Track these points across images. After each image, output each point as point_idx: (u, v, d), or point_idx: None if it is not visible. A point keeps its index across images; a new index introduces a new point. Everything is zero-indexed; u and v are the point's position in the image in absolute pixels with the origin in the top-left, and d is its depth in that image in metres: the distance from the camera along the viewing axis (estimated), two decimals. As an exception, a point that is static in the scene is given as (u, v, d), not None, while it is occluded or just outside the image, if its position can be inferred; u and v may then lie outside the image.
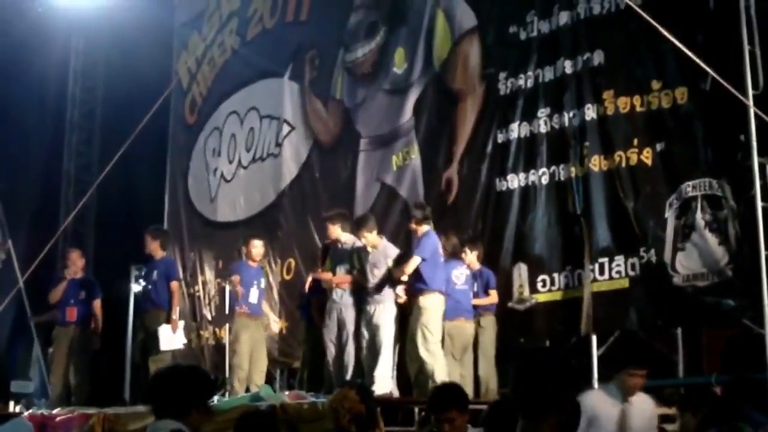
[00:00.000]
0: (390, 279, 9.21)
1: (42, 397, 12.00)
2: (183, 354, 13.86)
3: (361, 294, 9.43)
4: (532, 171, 10.01)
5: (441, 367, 8.80)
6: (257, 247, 10.95)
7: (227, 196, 14.46)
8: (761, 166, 8.26)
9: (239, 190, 14.25)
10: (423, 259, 9.01)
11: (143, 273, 11.08)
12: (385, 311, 9.15)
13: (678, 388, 9.03)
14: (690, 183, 8.73)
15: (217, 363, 13.36)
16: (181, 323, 11.16)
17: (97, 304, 11.79)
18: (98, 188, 14.39)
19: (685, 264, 8.67)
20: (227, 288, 13.22)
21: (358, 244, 9.62)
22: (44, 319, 12.55)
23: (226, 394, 11.09)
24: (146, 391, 4.07)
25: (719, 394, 6.81)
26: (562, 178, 9.75)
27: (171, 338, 10.85)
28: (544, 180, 9.90)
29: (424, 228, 9.24)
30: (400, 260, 9.28)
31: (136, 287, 15.05)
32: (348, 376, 9.19)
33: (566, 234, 9.68)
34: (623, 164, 9.24)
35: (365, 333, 9.24)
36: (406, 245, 9.99)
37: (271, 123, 13.86)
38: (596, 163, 9.45)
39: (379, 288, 9.18)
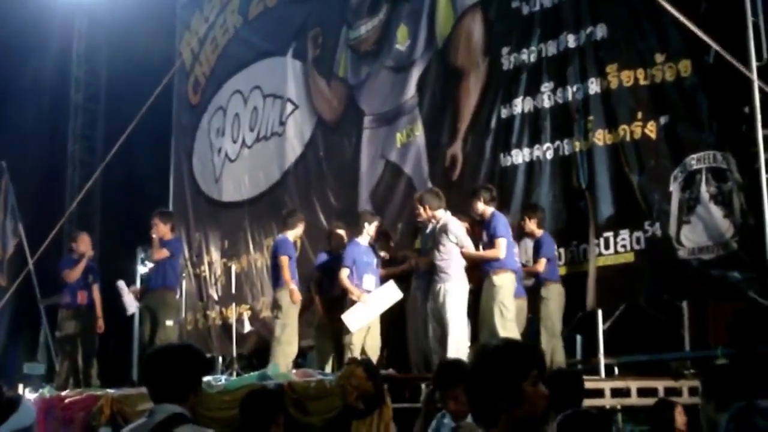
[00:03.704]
0: (458, 256, 8.86)
1: (49, 379, 12.05)
2: (190, 334, 13.97)
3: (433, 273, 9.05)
4: (537, 146, 9.98)
5: None
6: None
7: (232, 176, 14.46)
8: (766, 138, 8.22)
9: (244, 170, 14.25)
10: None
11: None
12: (453, 290, 8.75)
13: (684, 361, 9.04)
14: (694, 156, 8.69)
15: (224, 343, 13.40)
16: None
17: (96, 288, 11.89)
18: (103, 170, 14.39)
19: (691, 237, 8.64)
20: (233, 268, 13.28)
21: (444, 221, 9.11)
22: (53, 302, 12.61)
23: (234, 373, 11.14)
24: (141, 373, 3.94)
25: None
26: (567, 153, 9.72)
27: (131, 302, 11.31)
28: (549, 155, 9.87)
29: (491, 209, 9.13)
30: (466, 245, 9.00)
31: (142, 269, 15.09)
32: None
33: (571, 209, 9.66)
34: (627, 138, 9.21)
35: (431, 313, 8.85)
36: (410, 222, 10.05)
37: (275, 102, 13.84)
38: (600, 138, 9.42)
39: (445, 266, 8.82)
